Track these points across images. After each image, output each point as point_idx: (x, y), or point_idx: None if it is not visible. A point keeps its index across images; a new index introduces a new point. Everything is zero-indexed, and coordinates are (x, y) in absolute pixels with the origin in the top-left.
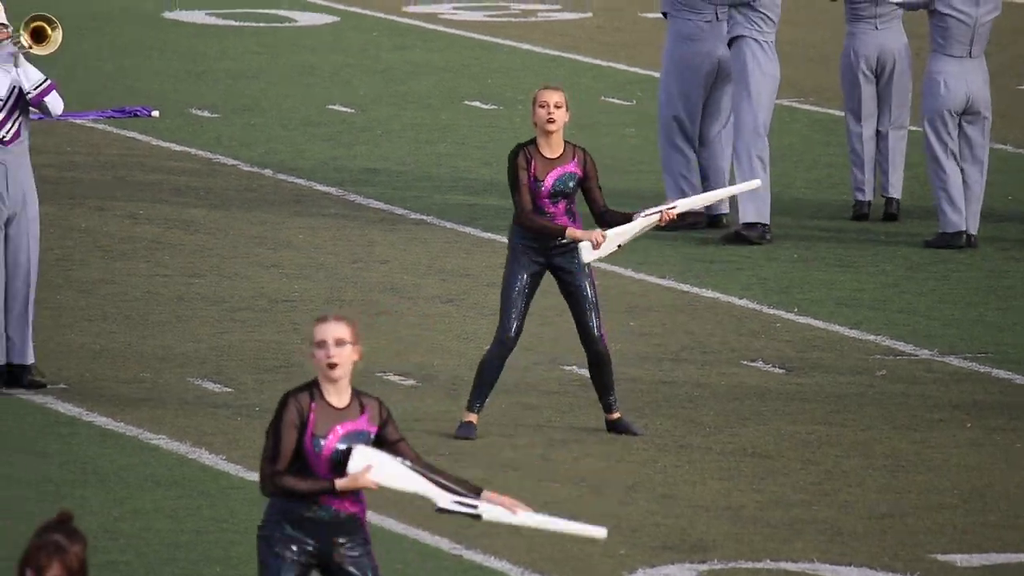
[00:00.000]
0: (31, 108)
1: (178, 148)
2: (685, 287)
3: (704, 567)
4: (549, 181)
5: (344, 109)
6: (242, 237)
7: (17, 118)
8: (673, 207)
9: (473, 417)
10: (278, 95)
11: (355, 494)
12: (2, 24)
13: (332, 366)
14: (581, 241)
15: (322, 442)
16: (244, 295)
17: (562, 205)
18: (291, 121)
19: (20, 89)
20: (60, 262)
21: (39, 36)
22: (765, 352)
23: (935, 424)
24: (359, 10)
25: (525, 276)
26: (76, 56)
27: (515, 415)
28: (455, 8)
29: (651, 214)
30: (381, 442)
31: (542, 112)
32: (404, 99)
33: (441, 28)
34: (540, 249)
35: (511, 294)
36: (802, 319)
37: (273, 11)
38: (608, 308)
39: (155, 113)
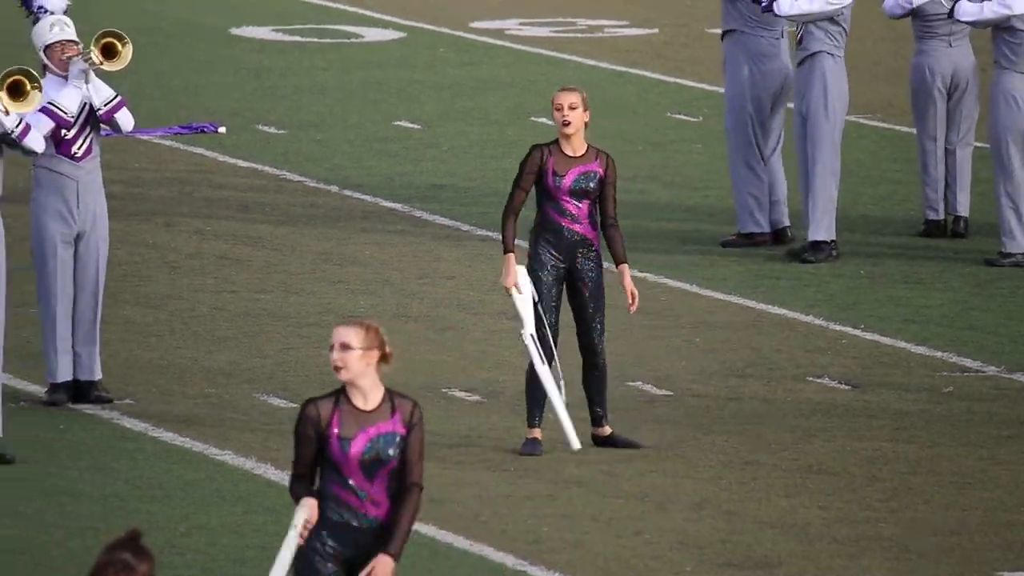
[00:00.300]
0: (102, 125)
1: (245, 164)
2: (751, 303)
3: None
4: (569, 178)
5: (410, 125)
6: (308, 253)
7: (88, 134)
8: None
9: (537, 433)
10: (344, 111)
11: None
12: (72, 41)
13: (336, 369)
14: (507, 274)
15: (349, 444)
16: (311, 311)
17: (585, 206)
18: (357, 137)
19: (91, 106)
20: (127, 278)
21: (109, 52)
22: (831, 368)
23: (1002, 441)
24: (425, 26)
25: (550, 280)
26: (145, 73)
27: (581, 432)
28: (521, 24)
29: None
30: (404, 445)
31: (558, 115)
32: (470, 115)
33: (507, 44)
34: (560, 251)
35: (539, 303)
36: (868, 335)
37: (340, 27)
38: (674, 324)
39: (222, 129)
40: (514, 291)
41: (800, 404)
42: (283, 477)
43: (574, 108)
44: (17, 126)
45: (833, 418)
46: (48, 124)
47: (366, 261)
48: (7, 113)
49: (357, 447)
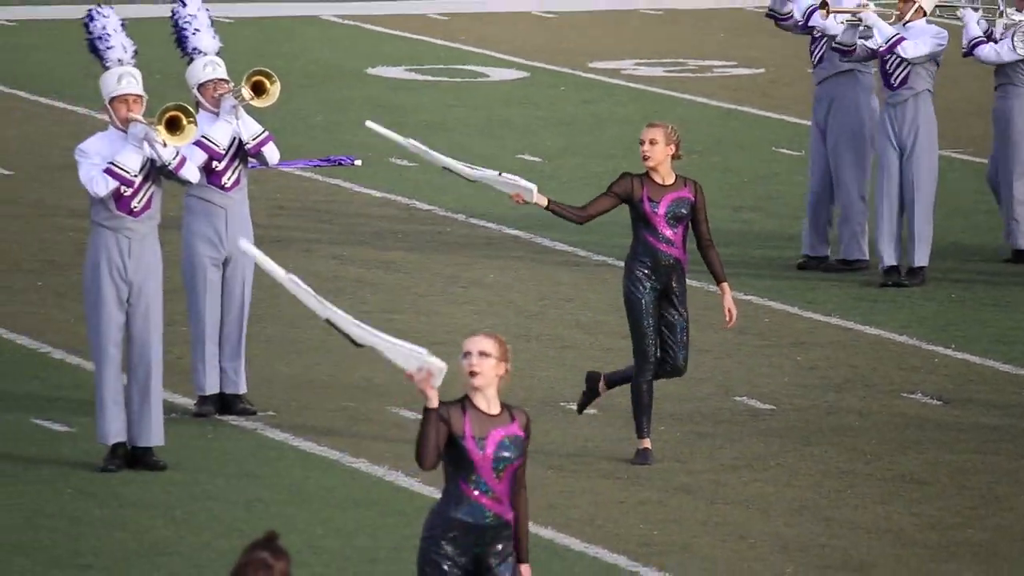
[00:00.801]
0: (249, 157)
1: (379, 194)
2: (849, 324)
3: None
4: (663, 206)
5: (532, 159)
6: (438, 277)
7: (237, 166)
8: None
9: (647, 443)
10: (471, 146)
11: (507, 502)
12: (223, 79)
13: (473, 374)
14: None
15: (484, 444)
16: (438, 330)
17: (680, 231)
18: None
19: (240, 140)
20: (270, 299)
21: (259, 90)
22: (924, 385)
23: None
24: (547, 66)
25: (649, 298)
26: (288, 110)
27: (690, 442)
28: (636, 64)
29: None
30: (524, 448)
31: (641, 149)
32: (588, 150)
33: (623, 83)
34: (656, 273)
35: (641, 320)
36: (959, 355)
37: (467, 67)
38: (777, 343)
39: (358, 162)
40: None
41: (894, 418)
42: (413, 483)
43: (655, 143)
44: (174, 158)
45: (925, 431)
46: (201, 156)
47: (490, 284)
48: (165, 145)
49: (491, 447)
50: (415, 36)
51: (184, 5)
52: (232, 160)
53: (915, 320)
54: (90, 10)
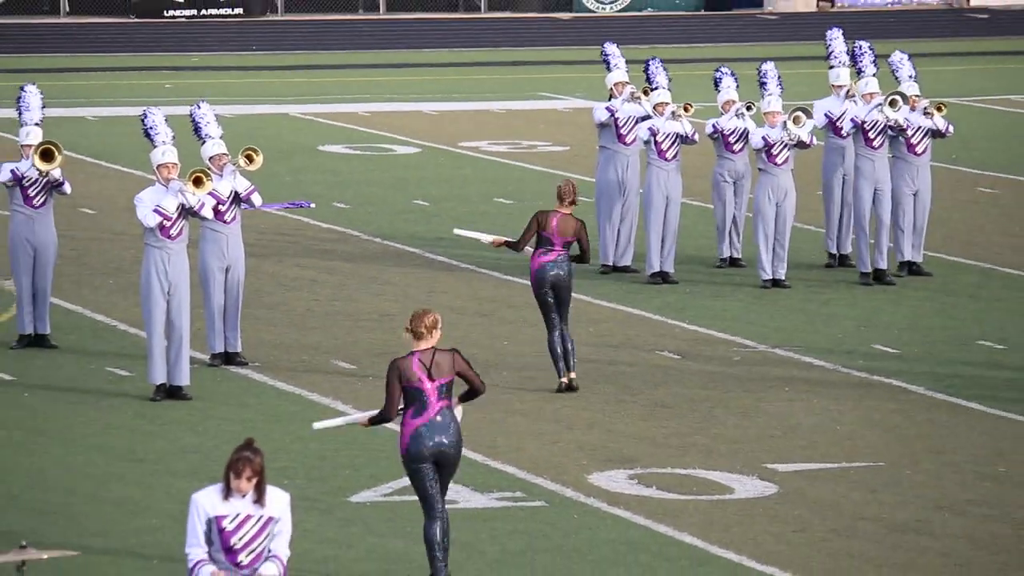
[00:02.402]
0: (242, 202)
1: (325, 225)
2: (621, 307)
3: None
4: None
5: (423, 203)
6: (363, 278)
7: (234, 209)
8: None
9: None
10: (384, 196)
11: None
12: (225, 153)
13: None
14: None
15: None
16: (363, 310)
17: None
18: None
19: (236, 192)
20: (257, 293)
21: (250, 159)
22: (668, 345)
23: None
24: (432, 144)
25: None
26: (267, 172)
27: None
28: (489, 143)
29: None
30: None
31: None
32: (459, 198)
33: (480, 156)
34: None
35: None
36: (691, 327)
37: (382, 144)
38: (578, 320)
39: (312, 205)
40: None
41: (650, 367)
42: (348, 408)
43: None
44: (198, 203)
45: (669, 375)
46: (212, 202)
47: (395, 282)
48: (193, 194)
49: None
50: (349, 125)
51: (199, 107)
52: (230, 205)
53: (663, 305)
54: (144, 110)
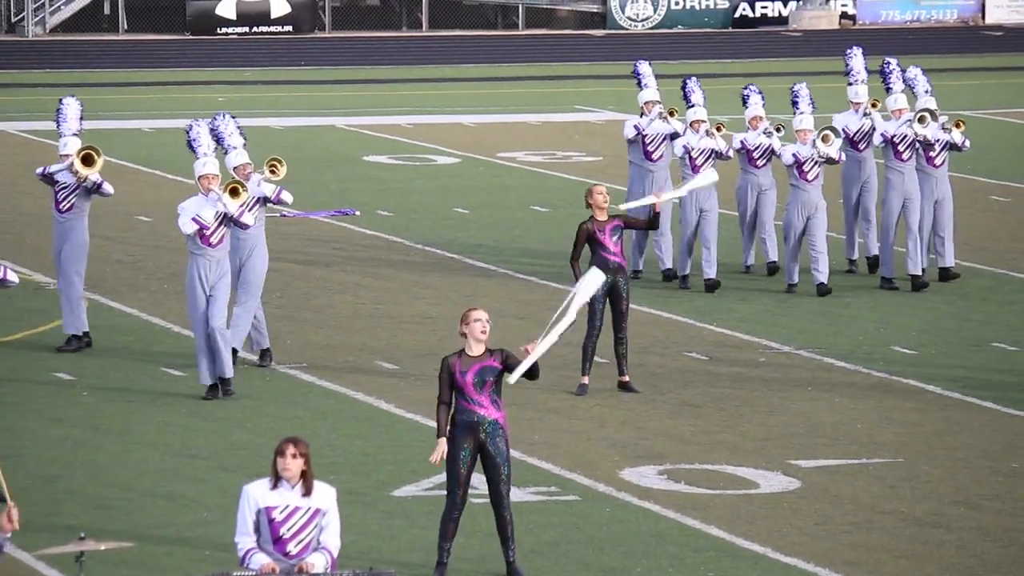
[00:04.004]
0: (273, 205)
1: (369, 232)
2: (649, 310)
3: None
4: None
5: (463, 211)
6: (404, 282)
7: (259, 212)
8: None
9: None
10: (427, 203)
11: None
12: (248, 163)
13: (483, 332)
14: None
15: (467, 373)
16: (405, 312)
17: (618, 242)
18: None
19: (265, 196)
20: (305, 298)
21: (273, 169)
22: (696, 347)
23: None
24: (471, 155)
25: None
26: (316, 181)
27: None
28: (525, 153)
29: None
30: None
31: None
32: (497, 205)
33: (517, 165)
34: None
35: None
36: (718, 329)
37: (424, 155)
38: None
39: (356, 213)
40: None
41: (679, 367)
42: (391, 407)
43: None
44: (238, 211)
45: (697, 375)
46: (249, 215)
47: (436, 287)
48: (224, 204)
49: (471, 375)
50: (393, 137)
51: (222, 118)
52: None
53: (692, 308)
54: (190, 123)
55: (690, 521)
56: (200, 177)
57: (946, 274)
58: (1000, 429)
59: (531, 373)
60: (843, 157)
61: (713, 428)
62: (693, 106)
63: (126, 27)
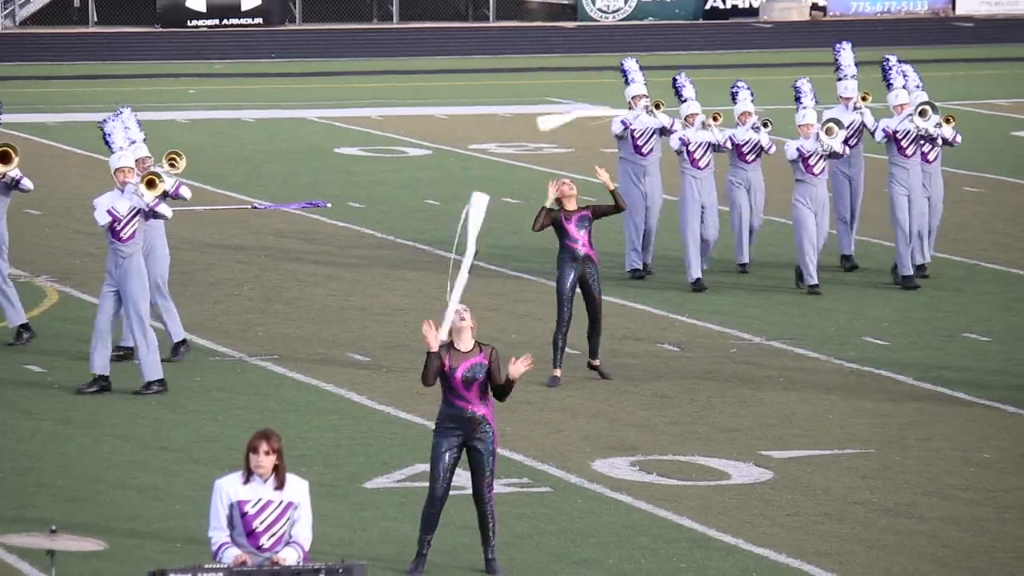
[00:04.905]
0: (172, 197)
1: (341, 224)
2: (623, 302)
3: None
4: (576, 222)
5: (434, 203)
6: (376, 274)
7: (135, 226)
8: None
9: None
10: (397, 195)
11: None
12: (147, 156)
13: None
14: None
15: (456, 369)
16: (376, 304)
17: (584, 234)
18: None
19: (142, 209)
20: (277, 291)
21: (173, 164)
22: (668, 338)
23: None
24: (442, 146)
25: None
26: (288, 172)
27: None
28: (497, 145)
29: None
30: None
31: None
32: (467, 197)
33: (488, 157)
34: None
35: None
36: (690, 320)
37: (395, 147)
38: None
39: (328, 205)
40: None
41: (651, 357)
42: (363, 399)
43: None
44: (154, 201)
45: (670, 365)
46: (166, 208)
47: (408, 279)
48: (141, 196)
49: (460, 371)
50: (364, 128)
51: (122, 113)
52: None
53: (663, 299)
54: (104, 119)
55: (662, 512)
56: (116, 170)
57: (919, 270)
58: (972, 420)
59: (500, 394)
60: (847, 150)
61: (685, 419)
62: (686, 100)
63: (96, 19)
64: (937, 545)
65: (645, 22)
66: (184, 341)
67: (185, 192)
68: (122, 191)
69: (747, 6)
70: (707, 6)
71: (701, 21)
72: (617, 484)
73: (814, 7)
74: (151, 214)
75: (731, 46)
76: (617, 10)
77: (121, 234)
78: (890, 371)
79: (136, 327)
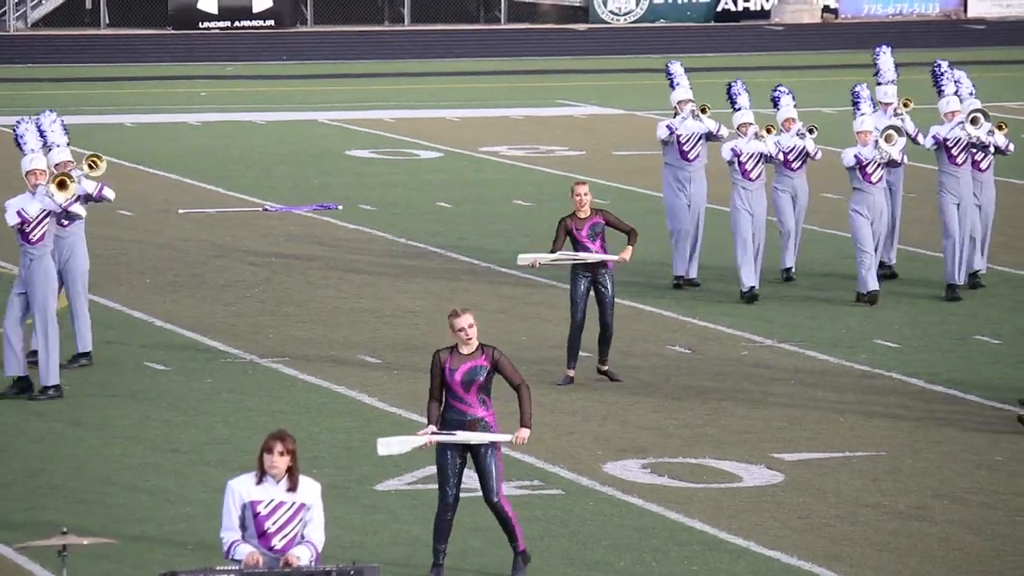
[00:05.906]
0: (97, 200)
1: (352, 226)
2: (632, 304)
3: None
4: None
5: (446, 205)
6: (386, 276)
7: (45, 228)
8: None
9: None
10: (408, 197)
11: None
12: (69, 160)
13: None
14: None
15: (455, 372)
16: (387, 305)
17: (598, 243)
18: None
19: (88, 194)
20: (283, 291)
21: (93, 165)
22: (680, 340)
23: None
24: (453, 149)
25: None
26: (299, 175)
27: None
28: (508, 148)
29: None
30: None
31: (575, 198)
32: (480, 199)
33: (499, 160)
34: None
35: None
36: (700, 323)
37: (406, 150)
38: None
39: (339, 207)
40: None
41: (662, 359)
42: (374, 401)
43: (587, 193)
44: (66, 202)
45: (681, 368)
46: (80, 207)
47: (418, 280)
48: (52, 197)
49: (459, 374)
50: (375, 131)
51: (45, 116)
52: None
53: (674, 302)
54: (17, 121)
55: (674, 515)
56: (27, 173)
57: (973, 277)
58: (983, 422)
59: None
60: (905, 159)
61: (696, 422)
62: (740, 108)
63: (108, 22)
64: (948, 548)
65: (657, 24)
66: (88, 354)
67: (109, 193)
68: (33, 193)
69: (759, 8)
70: (719, 8)
71: (712, 23)
72: (628, 487)
73: (826, 9)
74: (64, 215)
75: (742, 48)
76: (629, 12)
77: (30, 236)
78: (901, 374)
79: (39, 330)
